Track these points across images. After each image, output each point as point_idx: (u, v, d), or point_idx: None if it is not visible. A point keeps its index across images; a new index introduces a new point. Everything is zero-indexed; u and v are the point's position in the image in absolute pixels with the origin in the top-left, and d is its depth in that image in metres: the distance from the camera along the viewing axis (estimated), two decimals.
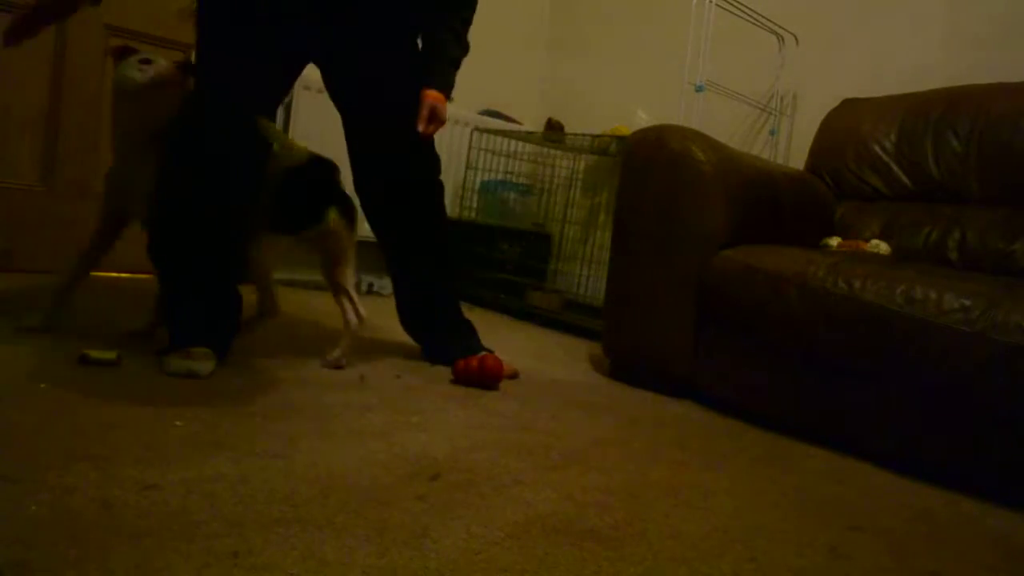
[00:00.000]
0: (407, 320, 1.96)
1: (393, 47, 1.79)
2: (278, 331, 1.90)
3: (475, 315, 1.99)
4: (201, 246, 1.59)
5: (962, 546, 1.18)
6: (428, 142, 1.83)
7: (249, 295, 1.69)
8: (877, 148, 2.34)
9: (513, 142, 3.30)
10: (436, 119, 1.77)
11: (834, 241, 2.21)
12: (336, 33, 1.72)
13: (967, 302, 1.46)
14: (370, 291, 2.93)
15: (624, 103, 3.24)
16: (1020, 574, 1.15)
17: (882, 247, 2.12)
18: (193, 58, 1.64)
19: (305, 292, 2.64)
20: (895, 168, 2.30)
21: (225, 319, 1.63)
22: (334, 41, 1.74)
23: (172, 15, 2.51)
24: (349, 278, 1.74)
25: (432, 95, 1.76)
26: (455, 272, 2.01)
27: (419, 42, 1.84)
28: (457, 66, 1.83)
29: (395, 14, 1.76)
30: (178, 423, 1.21)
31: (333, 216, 1.67)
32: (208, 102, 1.59)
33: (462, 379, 1.73)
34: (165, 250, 1.62)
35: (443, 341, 1.90)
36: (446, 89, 1.80)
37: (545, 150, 3.41)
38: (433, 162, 1.89)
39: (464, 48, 1.83)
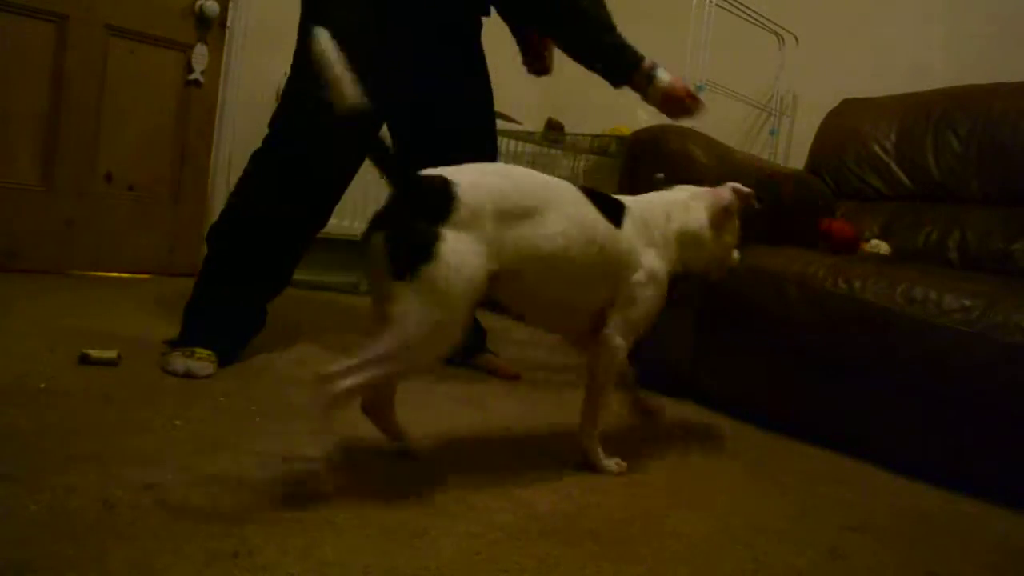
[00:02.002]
0: None
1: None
2: (280, 332, 1.89)
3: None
4: (258, 252, 1.59)
5: (962, 546, 1.18)
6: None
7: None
8: (877, 148, 2.34)
9: (513, 142, 3.30)
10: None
11: None
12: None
13: (967, 302, 1.46)
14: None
15: (624, 103, 3.22)
16: (1020, 574, 1.15)
17: (882, 247, 2.11)
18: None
19: (308, 292, 2.64)
20: (895, 168, 2.30)
21: (240, 331, 1.63)
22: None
23: (172, 15, 2.52)
24: None
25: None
26: None
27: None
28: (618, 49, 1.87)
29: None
30: (178, 423, 1.21)
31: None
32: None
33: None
34: (226, 239, 1.60)
35: None
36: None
37: (545, 150, 3.40)
38: None
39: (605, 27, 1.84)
